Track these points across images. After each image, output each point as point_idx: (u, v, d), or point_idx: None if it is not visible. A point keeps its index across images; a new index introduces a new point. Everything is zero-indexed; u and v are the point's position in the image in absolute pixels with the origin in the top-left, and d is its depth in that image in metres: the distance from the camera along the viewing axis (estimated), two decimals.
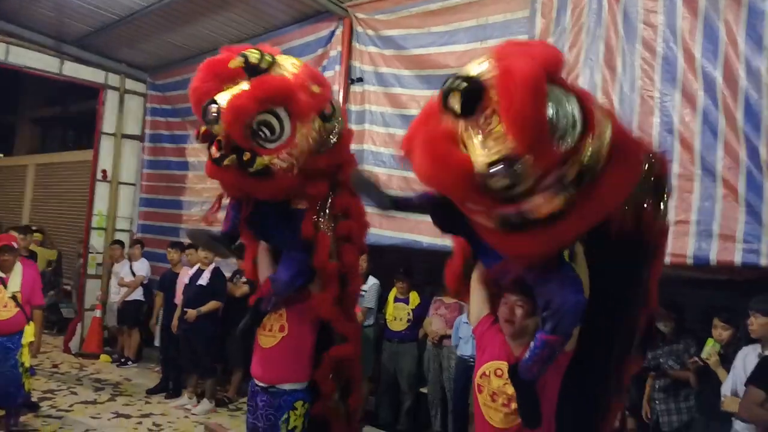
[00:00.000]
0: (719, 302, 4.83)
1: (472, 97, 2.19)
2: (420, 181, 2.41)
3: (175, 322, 7.31)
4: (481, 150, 2.18)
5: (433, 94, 6.29)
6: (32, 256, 8.30)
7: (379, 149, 6.54)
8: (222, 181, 3.70)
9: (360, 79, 6.84)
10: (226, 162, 3.44)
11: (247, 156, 3.41)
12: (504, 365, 2.78)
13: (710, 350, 4.46)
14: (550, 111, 2.16)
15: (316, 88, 3.58)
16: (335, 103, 3.89)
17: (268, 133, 3.44)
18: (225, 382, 7.67)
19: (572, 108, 2.22)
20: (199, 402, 7.23)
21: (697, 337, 4.81)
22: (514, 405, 2.70)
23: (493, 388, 2.80)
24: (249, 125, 3.37)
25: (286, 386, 3.79)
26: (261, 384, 3.87)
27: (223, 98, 3.36)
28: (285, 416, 3.75)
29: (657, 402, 4.90)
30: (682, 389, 4.80)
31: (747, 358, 4.12)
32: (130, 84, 10.23)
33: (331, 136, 3.74)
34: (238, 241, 4.00)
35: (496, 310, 2.94)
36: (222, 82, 3.47)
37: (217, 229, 3.94)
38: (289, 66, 3.58)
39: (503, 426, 2.75)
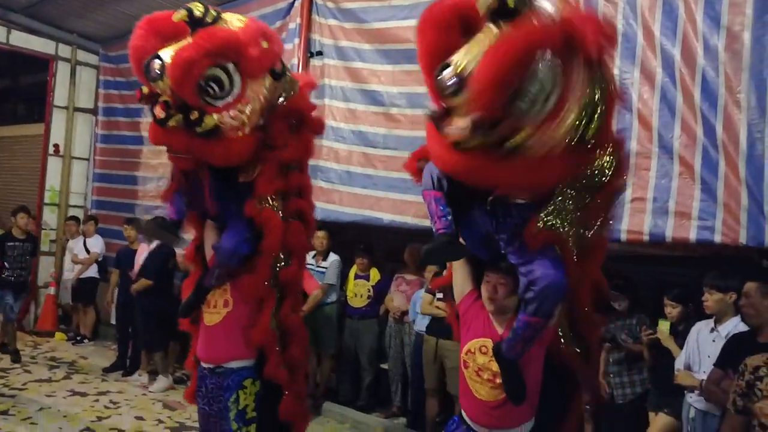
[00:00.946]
0: (674, 279, 4.92)
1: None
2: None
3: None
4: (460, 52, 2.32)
5: (393, 68, 6.31)
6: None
7: (339, 125, 6.46)
8: (169, 146, 3.50)
9: (320, 53, 6.72)
10: (171, 122, 3.25)
11: (194, 115, 3.24)
12: (489, 342, 2.86)
13: (661, 328, 4.58)
14: (529, 84, 2.26)
15: (265, 44, 3.43)
16: (285, 62, 3.77)
17: (216, 89, 3.28)
18: (183, 359, 7.58)
19: (550, 95, 2.31)
20: (154, 379, 7.17)
21: (651, 313, 4.89)
22: (499, 380, 2.79)
23: (479, 364, 2.88)
24: (197, 80, 3.20)
25: (233, 364, 3.66)
26: (208, 365, 3.74)
27: (167, 53, 3.19)
28: (234, 396, 3.62)
29: (611, 375, 4.99)
30: (635, 362, 4.89)
31: (700, 334, 4.21)
32: (81, 55, 9.94)
33: (281, 98, 3.63)
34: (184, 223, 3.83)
35: (479, 286, 2.97)
36: (164, 40, 3.29)
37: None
38: (235, 21, 3.43)
39: (489, 399, 2.84)
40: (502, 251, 2.81)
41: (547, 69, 2.29)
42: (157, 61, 3.19)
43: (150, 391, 6.92)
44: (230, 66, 3.30)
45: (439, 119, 2.52)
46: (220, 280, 3.71)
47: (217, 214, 3.79)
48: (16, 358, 7.70)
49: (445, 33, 2.38)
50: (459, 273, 3.13)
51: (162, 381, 7.08)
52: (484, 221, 2.80)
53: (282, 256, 3.69)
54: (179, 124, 3.26)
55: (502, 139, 2.34)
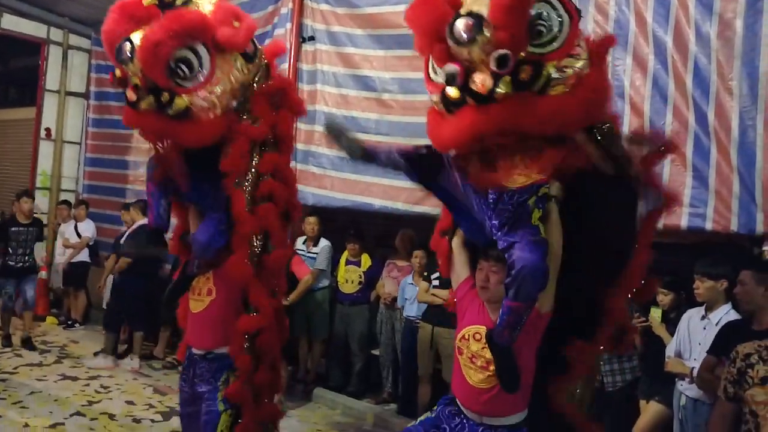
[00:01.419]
0: (665, 266, 4.91)
1: None
2: (405, 19, 2.60)
3: None
4: (464, 7, 2.40)
5: (385, 53, 6.27)
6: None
7: (331, 110, 6.42)
8: (142, 129, 3.54)
9: (312, 38, 6.68)
10: (143, 105, 3.26)
11: (165, 97, 3.24)
12: (482, 329, 2.84)
13: (652, 315, 4.59)
14: (539, 11, 2.37)
15: (236, 24, 3.42)
16: (258, 44, 3.72)
17: (186, 70, 3.27)
18: (174, 345, 7.57)
19: (562, 25, 2.40)
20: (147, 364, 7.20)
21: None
22: (492, 367, 2.77)
23: (472, 351, 2.87)
24: (167, 62, 3.20)
25: (224, 350, 3.66)
26: (198, 351, 3.75)
27: (137, 36, 3.19)
28: (224, 377, 3.64)
29: (601, 363, 4.99)
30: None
31: (691, 321, 4.22)
32: (73, 39, 9.87)
33: (254, 82, 3.61)
34: (168, 231, 3.87)
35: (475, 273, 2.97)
36: (137, 24, 3.27)
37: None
38: (206, 3, 3.42)
39: (483, 386, 2.83)
40: (494, 237, 2.80)
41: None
42: (127, 44, 3.20)
43: (140, 373, 6.94)
44: (200, 47, 3.29)
45: None
46: (201, 269, 3.73)
47: (197, 200, 3.78)
48: (7, 342, 7.67)
49: None
50: (456, 259, 3.13)
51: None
52: (482, 209, 2.79)
53: (258, 240, 3.66)
54: (151, 107, 3.26)
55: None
